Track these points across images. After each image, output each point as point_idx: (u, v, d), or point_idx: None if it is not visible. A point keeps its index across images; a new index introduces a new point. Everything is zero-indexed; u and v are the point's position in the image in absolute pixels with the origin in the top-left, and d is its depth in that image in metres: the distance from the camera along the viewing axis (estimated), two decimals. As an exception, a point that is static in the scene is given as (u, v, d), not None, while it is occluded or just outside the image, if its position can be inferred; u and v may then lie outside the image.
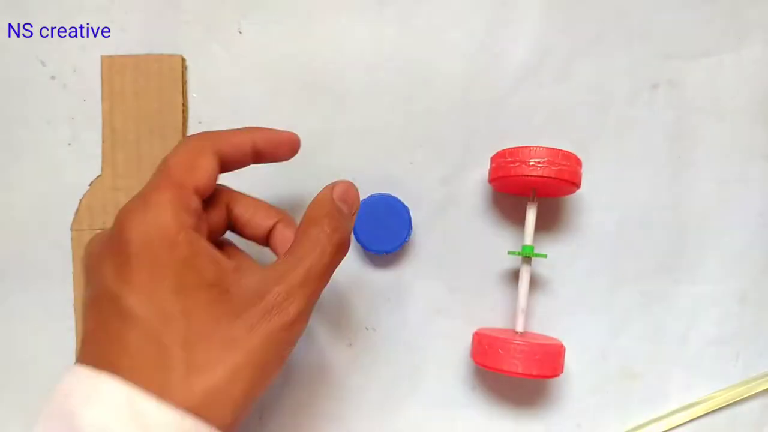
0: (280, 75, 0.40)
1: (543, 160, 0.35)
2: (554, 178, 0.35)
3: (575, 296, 0.40)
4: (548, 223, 0.41)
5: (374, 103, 0.40)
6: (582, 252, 0.40)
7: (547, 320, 0.40)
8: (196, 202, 0.27)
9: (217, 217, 0.31)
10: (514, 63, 0.41)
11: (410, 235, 0.39)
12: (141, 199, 0.26)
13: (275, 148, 0.32)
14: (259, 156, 0.31)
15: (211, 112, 0.40)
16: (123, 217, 0.26)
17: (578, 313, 0.40)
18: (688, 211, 0.41)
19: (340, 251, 0.28)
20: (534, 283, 0.40)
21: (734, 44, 0.42)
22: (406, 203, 0.38)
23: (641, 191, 0.41)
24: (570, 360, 0.40)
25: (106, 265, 0.25)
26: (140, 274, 0.24)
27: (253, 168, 0.39)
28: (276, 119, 0.40)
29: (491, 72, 0.40)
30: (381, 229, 0.38)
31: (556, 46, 0.41)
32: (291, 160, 0.39)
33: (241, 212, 0.31)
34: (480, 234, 0.40)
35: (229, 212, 0.31)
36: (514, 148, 0.36)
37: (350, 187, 0.30)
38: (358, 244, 0.39)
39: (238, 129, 0.31)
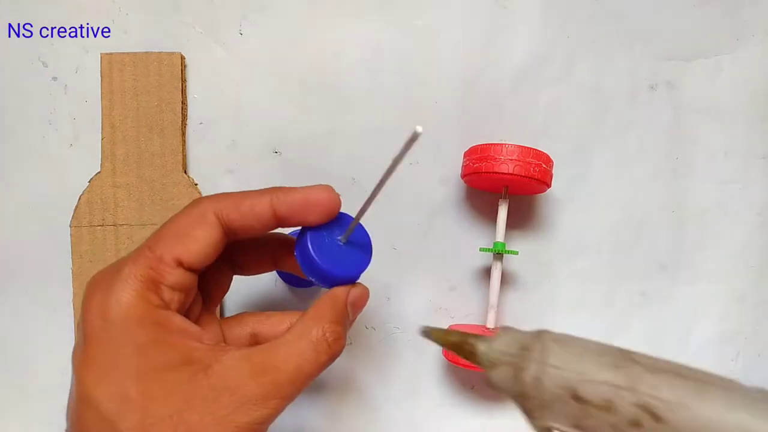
0: (281, 76, 0.39)
1: (513, 157, 0.34)
2: (523, 176, 0.34)
3: (574, 296, 0.40)
4: (542, 221, 0.40)
5: (375, 104, 0.39)
6: (580, 252, 0.40)
7: (545, 320, 0.39)
8: (175, 277, 0.24)
9: (238, 333, 0.29)
10: (514, 64, 0.40)
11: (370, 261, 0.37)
12: (111, 272, 0.24)
13: (303, 212, 0.26)
14: (283, 221, 0.27)
15: (213, 113, 0.39)
16: (89, 290, 0.24)
17: (577, 313, 0.40)
18: (687, 211, 0.41)
19: (334, 359, 0.26)
20: (531, 283, 0.40)
21: (732, 45, 0.41)
22: (400, 203, 0.37)
23: (640, 191, 0.40)
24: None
25: (76, 338, 0.24)
26: (98, 356, 0.23)
27: (253, 167, 0.39)
28: (277, 120, 0.39)
29: (491, 73, 0.40)
30: (342, 255, 0.34)
31: (555, 48, 0.40)
32: (292, 160, 0.39)
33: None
34: (479, 233, 0.40)
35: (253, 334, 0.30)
36: (485, 144, 0.35)
37: (365, 294, 0.28)
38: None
39: (255, 191, 0.26)
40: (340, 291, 0.27)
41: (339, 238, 0.28)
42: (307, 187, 0.27)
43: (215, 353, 0.24)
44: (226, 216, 0.25)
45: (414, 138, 0.22)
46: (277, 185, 0.38)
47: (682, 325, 0.40)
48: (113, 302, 0.23)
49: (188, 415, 0.22)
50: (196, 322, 0.28)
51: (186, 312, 0.27)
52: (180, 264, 0.25)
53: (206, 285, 0.29)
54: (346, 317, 0.27)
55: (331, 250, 0.27)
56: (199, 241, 0.25)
